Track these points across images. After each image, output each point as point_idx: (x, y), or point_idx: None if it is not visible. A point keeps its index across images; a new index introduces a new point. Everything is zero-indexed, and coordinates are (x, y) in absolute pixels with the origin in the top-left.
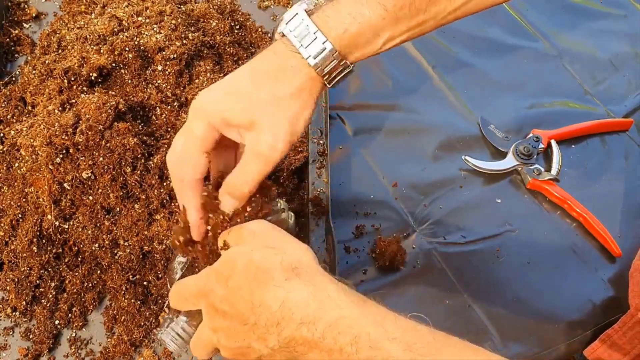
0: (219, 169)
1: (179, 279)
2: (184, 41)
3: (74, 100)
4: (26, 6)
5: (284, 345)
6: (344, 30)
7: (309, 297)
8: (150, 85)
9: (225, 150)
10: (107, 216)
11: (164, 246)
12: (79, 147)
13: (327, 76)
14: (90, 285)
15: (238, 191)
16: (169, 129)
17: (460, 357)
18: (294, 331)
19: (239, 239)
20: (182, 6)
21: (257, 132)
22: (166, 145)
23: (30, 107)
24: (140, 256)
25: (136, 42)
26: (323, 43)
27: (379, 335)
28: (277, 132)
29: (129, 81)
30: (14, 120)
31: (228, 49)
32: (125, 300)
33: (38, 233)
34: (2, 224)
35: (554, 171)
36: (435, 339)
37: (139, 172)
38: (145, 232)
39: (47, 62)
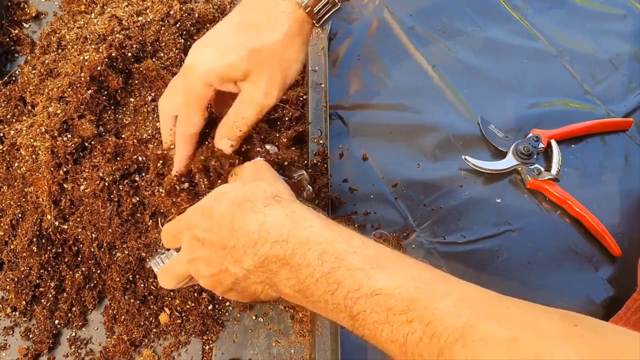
0: (219, 113)
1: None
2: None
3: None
4: (26, 6)
5: (259, 265)
6: None
7: (285, 218)
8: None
9: (223, 95)
10: (105, 217)
11: None
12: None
13: (316, 16)
14: (90, 285)
15: (233, 134)
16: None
17: (411, 269)
18: (268, 250)
19: (239, 171)
20: (182, 6)
21: (251, 81)
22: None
23: (30, 107)
24: (138, 259)
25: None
26: None
27: (344, 249)
28: (270, 80)
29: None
30: (14, 120)
31: None
32: (125, 300)
33: (38, 233)
34: (1, 224)
35: (553, 171)
36: (393, 254)
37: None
38: (142, 240)
39: (46, 61)
